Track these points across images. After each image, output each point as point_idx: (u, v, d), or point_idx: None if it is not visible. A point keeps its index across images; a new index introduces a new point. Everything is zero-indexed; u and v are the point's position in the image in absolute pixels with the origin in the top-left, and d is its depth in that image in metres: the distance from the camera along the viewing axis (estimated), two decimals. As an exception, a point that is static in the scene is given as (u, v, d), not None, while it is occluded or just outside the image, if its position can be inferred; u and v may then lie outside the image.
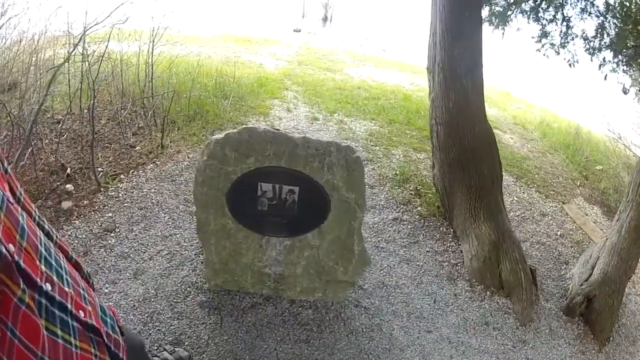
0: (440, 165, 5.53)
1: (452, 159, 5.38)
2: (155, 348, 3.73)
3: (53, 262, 1.03)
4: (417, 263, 5.11)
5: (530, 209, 6.66)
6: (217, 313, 3.93)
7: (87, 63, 5.62)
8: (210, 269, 4.03)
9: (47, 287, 0.95)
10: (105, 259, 4.30)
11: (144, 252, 4.74)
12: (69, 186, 5.46)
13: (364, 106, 8.54)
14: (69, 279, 1.08)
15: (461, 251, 5.28)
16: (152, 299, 3.98)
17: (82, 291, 1.14)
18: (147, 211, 5.19)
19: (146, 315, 3.83)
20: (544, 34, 7.13)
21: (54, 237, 1.27)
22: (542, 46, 6.81)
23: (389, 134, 7.40)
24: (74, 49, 5.53)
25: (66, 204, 5.15)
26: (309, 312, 4.33)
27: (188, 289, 4.33)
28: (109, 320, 1.29)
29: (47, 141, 5.95)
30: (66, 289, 1.04)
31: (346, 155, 3.53)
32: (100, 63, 5.85)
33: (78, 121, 6.29)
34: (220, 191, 3.54)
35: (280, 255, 3.85)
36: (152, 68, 6.56)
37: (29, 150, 5.24)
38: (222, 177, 3.50)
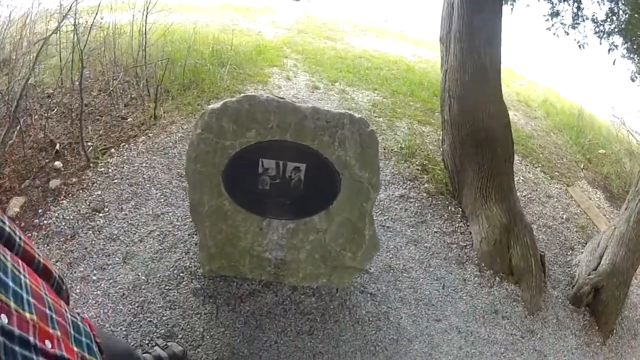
0: (451, 141, 4.95)
1: (465, 136, 4.89)
2: (147, 343, 3.17)
3: (9, 282, 0.86)
4: (425, 244, 4.64)
5: (536, 190, 6.10)
6: (213, 302, 3.42)
7: (76, 34, 4.90)
8: (205, 253, 3.42)
9: (3, 319, 0.79)
10: (94, 242, 3.82)
11: (134, 234, 4.14)
12: (58, 163, 4.80)
13: (366, 76, 7.86)
14: (31, 299, 0.91)
15: (470, 232, 4.83)
16: (143, 286, 3.53)
17: (49, 311, 0.96)
18: (137, 187, 4.57)
19: (136, 304, 3.38)
20: (555, 13, 6.44)
21: (17, 241, 1.06)
22: (553, 25, 6.28)
23: (392, 105, 6.76)
24: (63, 19, 4.84)
25: (54, 183, 4.55)
26: (312, 300, 3.77)
27: (181, 274, 3.75)
28: (84, 339, 1.09)
29: (36, 117, 5.28)
30: (27, 315, 0.87)
31: (360, 129, 2.90)
32: (89, 32, 5.13)
33: (69, 94, 5.58)
34: (215, 168, 2.91)
35: (283, 239, 3.24)
36: (145, 36, 5.82)
37: (17, 127, 4.71)
38: (218, 152, 2.87)
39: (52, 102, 5.65)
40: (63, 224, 3.93)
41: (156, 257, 3.91)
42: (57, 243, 3.80)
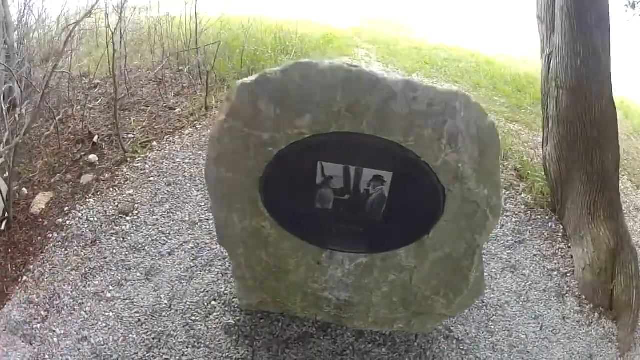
0: (557, 142, 3.51)
1: (574, 135, 3.55)
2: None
3: None
4: (524, 272, 3.37)
5: (626, 201, 4.44)
6: (249, 344, 2.47)
7: (120, 23, 4.03)
8: (242, 284, 2.14)
9: None
10: (115, 251, 2.92)
11: (164, 244, 3.00)
12: (93, 157, 3.82)
13: (444, 67, 6.30)
14: None
15: (571, 256, 3.58)
16: (164, 313, 2.62)
17: None
18: (176, 187, 3.42)
19: (153, 335, 2.50)
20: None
21: None
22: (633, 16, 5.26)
23: (476, 100, 5.08)
24: (96, 3, 3.77)
25: (86, 178, 3.60)
26: (382, 350, 2.49)
27: (213, 302, 2.64)
28: None
29: (78, 107, 4.27)
30: None
31: (478, 119, 1.53)
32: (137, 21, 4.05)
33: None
34: (249, 174, 1.63)
35: (349, 276, 1.92)
36: (196, 19, 4.63)
37: (55, 119, 3.87)
38: (251, 150, 1.60)
39: (98, 92, 4.64)
40: (85, 226, 3.07)
41: (185, 276, 2.81)
42: (75, 248, 2.93)
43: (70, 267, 2.79)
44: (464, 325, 2.81)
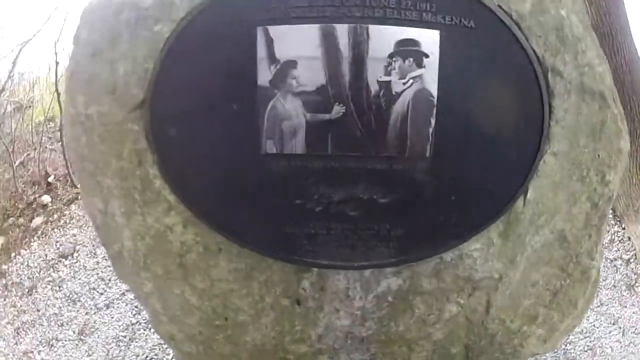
0: None
1: None
2: None
3: None
4: None
5: None
6: None
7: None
8: (177, 351, 0.89)
9: None
10: (49, 302, 2.04)
11: (102, 294, 1.87)
12: (46, 197, 3.04)
13: None
14: None
15: (629, 238, 2.65)
16: None
17: None
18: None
19: None
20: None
21: None
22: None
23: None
24: None
25: (36, 221, 2.76)
26: None
27: None
28: None
29: (40, 150, 3.34)
30: None
31: None
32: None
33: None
34: (120, 101, 0.50)
35: (366, 322, 0.66)
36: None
37: (13, 163, 3.13)
38: (124, 37, 0.58)
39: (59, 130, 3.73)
40: (25, 272, 2.32)
41: (124, 336, 1.75)
42: (13, 298, 2.23)
43: (6, 320, 2.10)
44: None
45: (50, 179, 3.01)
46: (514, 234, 0.77)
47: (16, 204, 2.97)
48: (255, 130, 0.56)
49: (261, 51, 0.54)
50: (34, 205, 2.87)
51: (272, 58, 0.54)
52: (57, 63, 3.11)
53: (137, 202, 0.76)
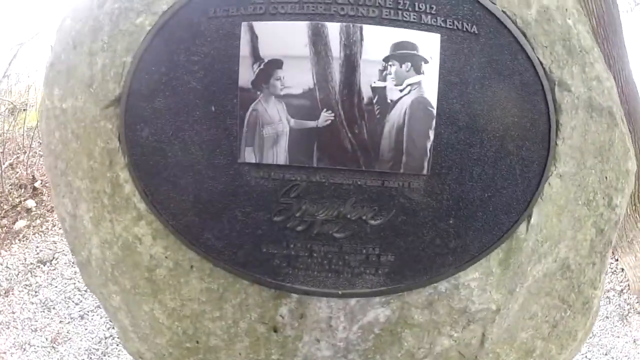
0: None
1: None
2: None
3: None
4: None
5: None
6: None
7: None
8: None
9: None
10: (25, 306, 1.97)
11: (77, 304, 1.76)
12: (30, 202, 3.02)
13: None
14: None
15: (622, 269, 2.62)
16: None
17: None
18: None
19: None
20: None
21: None
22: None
23: None
24: None
25: (19, 224, 2.74)
26: None
27: None
28: None
29: (30, 154, 3.33)
30: None
31: None
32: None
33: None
34: (98, 93, 0.50)
35: (349, 354, 0.57)
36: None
37: (1, 164, 3.11)
38: (105, 29, 0.56)
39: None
40: (3, 274, 2.25)
41: (97, 349, 1.69)
42: None
43: (-19, 319, 1.98)
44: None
45: (36, 184, 2.94)
46: (515, 263, 0.70)
47: (1, 205, 2.88)
48: (233, 136, 0.50)
49: (244, 48, 0.48)
50: (18, 208, 2.79)
51: (255, 56, 0.48)
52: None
53: (106, 207, 0.68)
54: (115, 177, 0.65)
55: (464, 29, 0.49)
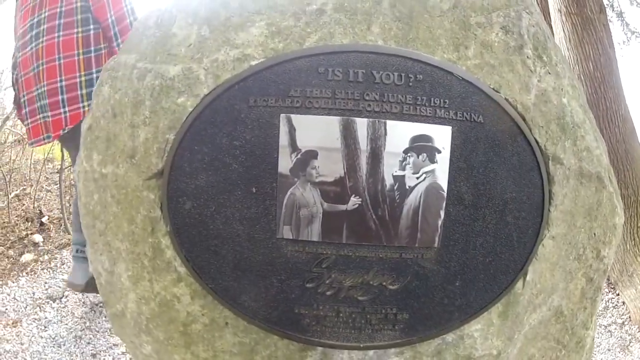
0: None
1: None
2: None
3: None
4: None
5: None
6: None
7: None
8: None
9: None
10: (33, 339, 1.87)
11: (88, 343, 1.65)
12: (37, 236, 2.95)
13: None
14: None
15: (623, 303, 2.58)
16: None
17: None
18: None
19: None
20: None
21: None
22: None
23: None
24: None
25: (26, 257, 2.69)
26: None
27: None
28: None
29: (37, 188, 3.35)
30: None
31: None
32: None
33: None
34: (140, 164, 0.56)
35: None
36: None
37: (8, 194, 3.11)
38: (146, 104, 0.56)
39: (58, 176, 3.71)
40: (11, 304, 2.18)
41: None
42: None
43: (-12, 344, 1.87)
44: None
45: (44, 219, 2.92)
46: (512, 314, 0.76)
47: (7, 235, 2.85)
48: (272, 215, 0.56)
49: (283, 138, 0.55)
50: (25, 241, 2.76)
51: (293, 146, 0.55)
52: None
53: (146, 268, 0.73)
54: (157, 243, 0.70)
55: (472, 119, 0.56)
